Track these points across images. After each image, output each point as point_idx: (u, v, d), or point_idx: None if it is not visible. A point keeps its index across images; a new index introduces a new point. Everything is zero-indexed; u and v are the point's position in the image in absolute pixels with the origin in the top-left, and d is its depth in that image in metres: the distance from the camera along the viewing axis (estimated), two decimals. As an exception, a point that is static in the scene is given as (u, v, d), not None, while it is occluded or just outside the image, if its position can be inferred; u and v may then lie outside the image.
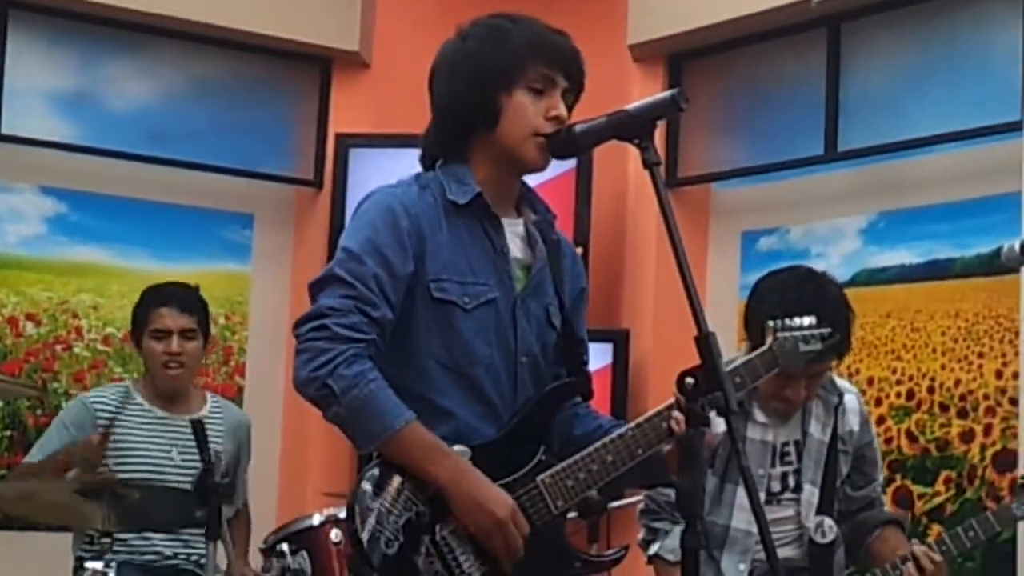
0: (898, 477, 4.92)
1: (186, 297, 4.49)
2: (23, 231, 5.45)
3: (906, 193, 5.11)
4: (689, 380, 2.44)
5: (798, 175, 5.45)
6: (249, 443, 4.61)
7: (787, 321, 2.93)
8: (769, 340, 2.93)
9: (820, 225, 5.33)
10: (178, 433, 4.37)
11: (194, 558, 4.29)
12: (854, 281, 5.09)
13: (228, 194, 5.81)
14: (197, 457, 4.18)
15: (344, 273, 2.68)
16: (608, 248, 5.60)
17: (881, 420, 4.94)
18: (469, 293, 2.77)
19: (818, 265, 3.77)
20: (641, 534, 3.61)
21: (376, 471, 2.63)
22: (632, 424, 2.78)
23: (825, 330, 2.99)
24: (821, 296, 3.39)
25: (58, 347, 5.45)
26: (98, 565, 3.60)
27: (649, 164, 2.54)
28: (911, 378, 4.97)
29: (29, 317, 5.41)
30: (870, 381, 5.05)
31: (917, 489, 4.89)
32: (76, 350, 5.49)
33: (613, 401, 5.22)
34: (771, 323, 2.93)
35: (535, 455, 2.77)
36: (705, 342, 2.42)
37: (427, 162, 2.89)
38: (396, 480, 2.64)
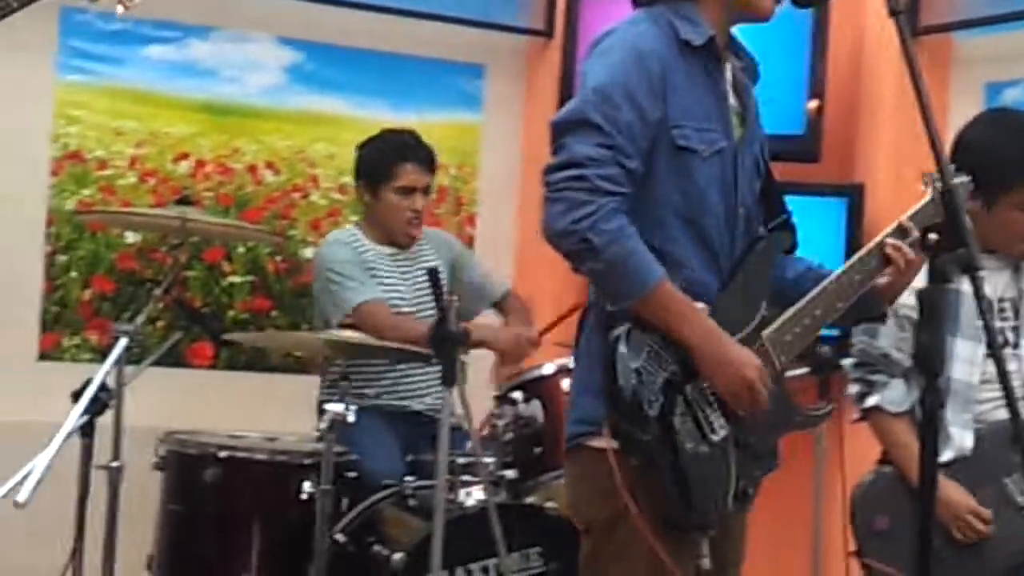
0: None
1: (428, 154, 4.57)
2: (262, 81, 5.56)
3: None
4: (932, 236, 2.40)
5: (1048, 24, 5.20)
6: (466, 254, 4.76)
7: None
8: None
9: (1070, 77, 5.10)
10: (407, 275, 4.47)
11: (430, 403, 4.40)
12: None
13: (460, 44, 5.82)
14: (425, 299, 4.28)
15: (600, 118, 2.60)
16: (843, 102, 5.45)
17: None
18: (705, 140, 2.72)
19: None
20: (854, 387, 3.57)
21: (625, 331, 2.61)
22: (841, 269, 2.80)
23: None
24: None
25: (295, 195, 5.58)
26: (339, 407, 3.71)
27: (895, 11, 2.47)
28: None
29: (268, 165, 5.54)
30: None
31: None
32: (312, 198, 5.61)
33: (848, 255, 5.11)
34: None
35: (758, 310, 2.76)
36: (949, 196, 2.37)
37: None
38: (647, 341, 2.62)
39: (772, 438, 2.79)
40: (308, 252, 5.44)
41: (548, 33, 5.85)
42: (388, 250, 4.53)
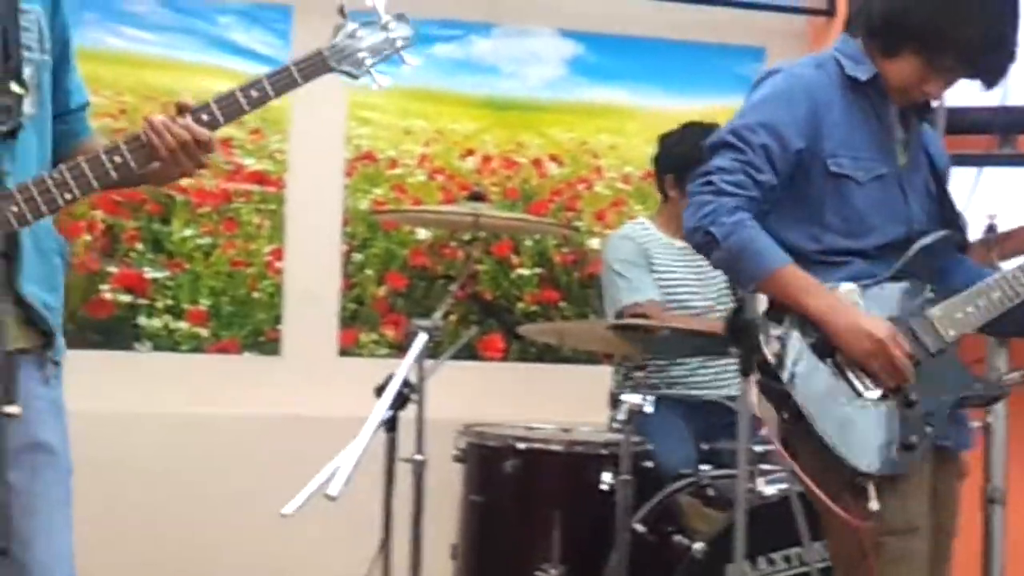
0: None
1: None
2: (544, 74, 5.61)
3: None
4: None
5: None
6: None
7: None
8: None
9: None
10: (699, 270, 4.43)
11: (726, 393, 4.37)
12: None
13: (740, 27, 5.75)
14: (715, 294, 4.25)
15: (735, 139, 2.97)
16: None
17: None
18: (862, 167, 3.03)
19: None
20: None
21: (768, 305, 2.95)
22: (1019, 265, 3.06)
23: None
24: None
25: (580, 186, 5.61)
26: (635, 398, 3.72)
27: None
28: None
29: (552, 158, 5.58)
30: None
31: None
32: (597, 189, 5.63)
33: None
34: None
35: (922, 292, 3.05)
36: None
37: (848, 26, 3.16)
38: (787, 315, 2.94)
39: (944, 402, 3.01)
40: (594, 243, 5.47)
41: (830, 12, 5.72)
42: (679, 243, 4.50)
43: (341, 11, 2.49)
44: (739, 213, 2.92)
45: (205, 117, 2.41)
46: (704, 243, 2.96)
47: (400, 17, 2.54)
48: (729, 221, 2.90)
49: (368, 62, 2.51)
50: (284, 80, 2.43)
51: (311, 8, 5.13)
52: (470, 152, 5.49)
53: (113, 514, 4.75)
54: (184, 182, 4.64)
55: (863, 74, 3.06)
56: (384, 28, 2.53)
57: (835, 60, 3.09)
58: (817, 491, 2.91)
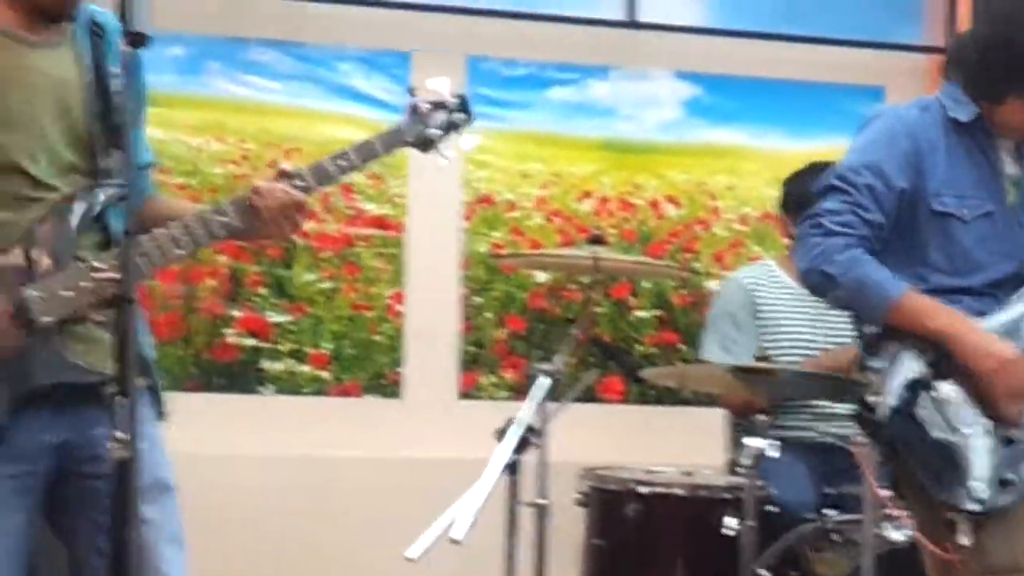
0: None
1: None
2: (661, 116, 5.61)
3: None
4: None
5: None
6: None
7: None
8: None
9: None
10: (819, 317, 4.39)
11: (849, 435, 4.31)
12: None
13: (858, 67, 5.71)
14: (842, 333, 4.20)
15: (841, 182, 3.02)
16: None
17: None
18: (967, 205, 3.06)
19: None
20: None
21: (874, 338, 3.01)
22: None
23: None
24: None
25: (697, 228, 5.59)
26: (758, 442, 3.69)
27: None
28: None
29: (669, 199, 5.58)
30: None
31: None
32: (715, 230, 5.61)
33: None
34: None
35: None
36: None
37: (948, 70, 3.21)
38: (892, 345, 2.97)
39: None
40: (712, 284, 5.44)
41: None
42: (803, 289, 4.46)
43: (411, 91, 2.77)
44: (851, 250, 2.97)
45: (300, 183, 2.58)
46: (820, 283, 3.02)
47: (461, 100, 2.80)
48: (843, 258, 2.95)
49: (436, 139, 2.79)
50: (367, 151, 2.66)
51: (428, 54, 5.20)
52: (587, 194, 5.50)
53: (235, 555, 4.80)
54: (307, 227, 4.70)
55: (964, 116, 3.11)
56: (448, 109, 2.79)
57: (939, 102, 3.14)
58: (909, 522, 3.01)
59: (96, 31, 2.51)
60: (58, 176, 2.43)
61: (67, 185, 2.43)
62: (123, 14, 2.05)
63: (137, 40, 2.04)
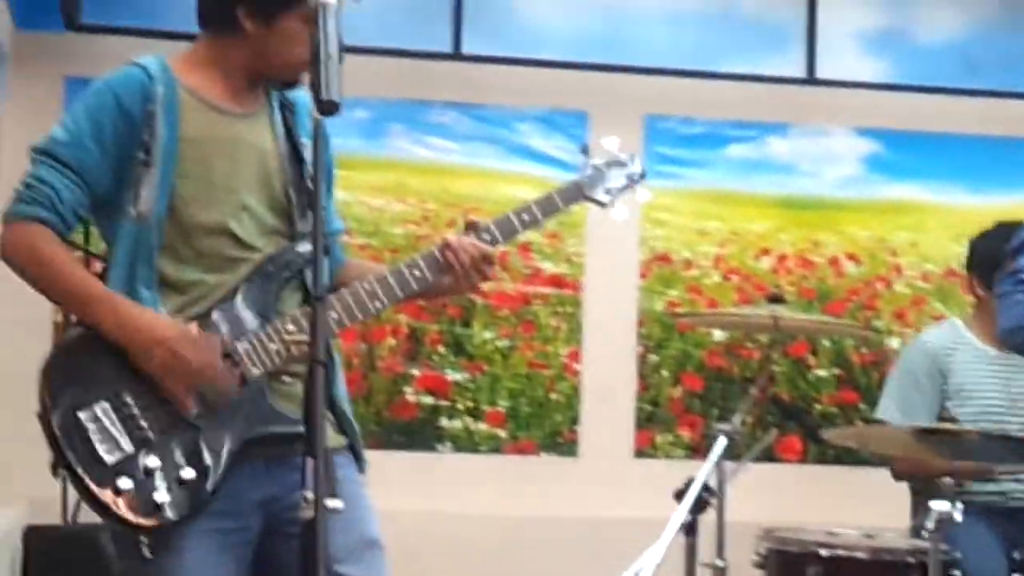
0: None
1: None
2: (840, 172, 5.56)
3: None
4: None
5: None
6: None
7: None
8: None
9: None
10: (1009, 381, 4.28)
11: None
12: None
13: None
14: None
15: None
16: None
17: None
18: None
19: None
20: None
21: None
22: None
23: None
24: None
25: (878, 285, 5.52)
26: (943, 505, 3.60)
27: None
28: None
29: (849, 257, 5.52)
30: None
31: None
32: (896, 288, 5.53)
33: None
34: None
35: None
36: None
37: None
38: None
39: None
40: (894, 342, 5.35)
41: None
42: (993, 351, 4.35)
43: (584, 150, 2.84)
44: None
45: (487, 236, 2.66)
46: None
47: (632, 157, 2.86)
48: None
49: (613, 193, 2.84)
50: (548, 206, 2.74)
51: (605, 113, 5.24)
52: (765, 252, 5.47)
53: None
54: (485, 286, 4.77)
55: None
56: (622, 165, 2.85)
57: None
58: None
59: (285, 103, 2.62)
60: (260, 237, 2.53)
61: (269, 246, 2.53)
62: (314, 83, 2.11)
63: (328, 108, 2.10)
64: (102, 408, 2.36)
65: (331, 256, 2.66)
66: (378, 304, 2.54)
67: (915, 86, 5.53)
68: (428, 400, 5.22)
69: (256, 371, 2.44)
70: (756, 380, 3.98)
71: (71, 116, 2.46)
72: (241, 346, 2.45)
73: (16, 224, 2.41)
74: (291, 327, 2.47)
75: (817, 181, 5.54)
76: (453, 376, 5.25)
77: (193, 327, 2.42)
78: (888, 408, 4.38)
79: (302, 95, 2.55)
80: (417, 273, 2.58)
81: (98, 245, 2.83)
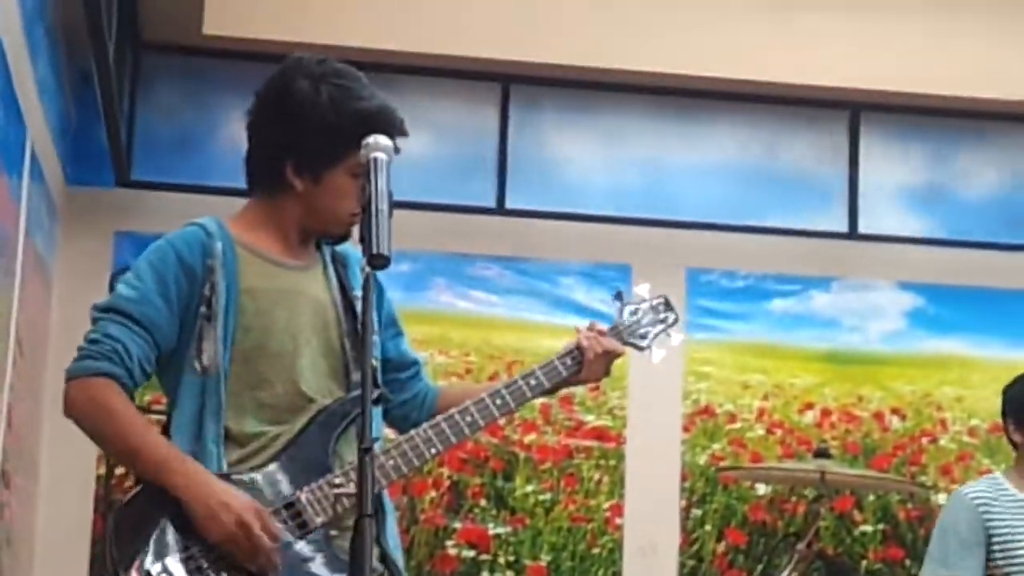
0: None
1: None
2: (884, 327, 5.56)
3: None
4: None
5: None
6: None
7: None
8: None
9: None
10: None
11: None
12: None
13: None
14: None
15: None
16: None
17: None
18: None
19: None
20: None
21: None
22: None
23: None
24: None
25: (924, 440, 5.47)
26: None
27: None
28: None
29: (894, 411, 5.48)
30: None
31: None
32: (942, 442, 5.48)
33: None
34: None
35: None
36: None
37: None
38: None
39: None
40: (940, 498, 5.29)
41: None
42: (1031, 499, 4.30)
43: (619, 296, 2.91)
44: None
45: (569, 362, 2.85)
46: None
47: (667, 303, 2.91)
48: None
49: (649, 338, 2.89)
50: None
51: (648, 267, 5.25)
52: (809, 406, 5.44)
53: None
54: (527, 438, 4.78)
55: None
56: (656, 310, 2.90)
57: None
58: None
59: (336, 257, 2.66)
60: (319, 387, 2.55)
61: (325, 395, 2.54)
62: (365, 237, 2.14)
63: (379, 262, 2.13)
64: (173, 561, 2.36)
65: (416, 389, 2.78)
66: (433, 450, 2.58)
67: (957, 240, 5.55)
68: (470, 553, 5.18)
69: (320, 519, 2.44)
70: (801, 535, 3.92)
71: (135, 273, 2.48)
72: (303, 495, 2.44)
73: (82, 379, 2.41)
74: (339, 480, 2.46)
75: (861, 335, 5.53)
76: (495, 529, 5.21)
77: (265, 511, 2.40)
78: (933, 567, 4.30)
79: (352, 249, 2.59)
80: (469, 418, 2.61)
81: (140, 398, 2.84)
